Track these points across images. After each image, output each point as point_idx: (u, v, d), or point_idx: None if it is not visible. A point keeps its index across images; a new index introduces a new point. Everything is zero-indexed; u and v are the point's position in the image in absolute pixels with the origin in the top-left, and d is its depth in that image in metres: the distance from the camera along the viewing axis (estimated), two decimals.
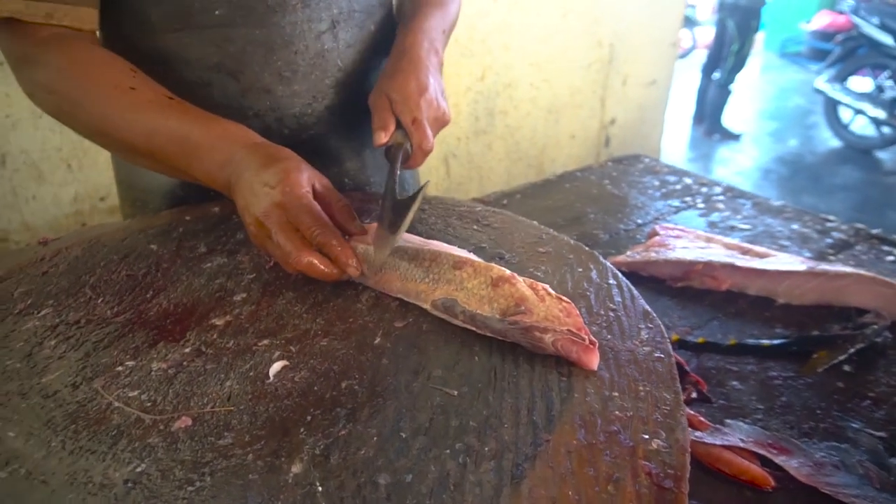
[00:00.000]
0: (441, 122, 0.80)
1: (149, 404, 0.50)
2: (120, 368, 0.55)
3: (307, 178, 0.66)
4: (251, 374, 0.54)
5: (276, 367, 0.54)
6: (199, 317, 0.63)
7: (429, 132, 0.76)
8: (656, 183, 1.25)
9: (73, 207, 1.77)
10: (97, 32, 0.76)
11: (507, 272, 0.58)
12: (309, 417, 0.48)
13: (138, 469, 0.44)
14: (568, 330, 0.52)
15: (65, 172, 1.73)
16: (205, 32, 0.78)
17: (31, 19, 0.69)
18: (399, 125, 0.76)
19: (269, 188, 0.63)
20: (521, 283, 0.57)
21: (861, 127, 5.01)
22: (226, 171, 0.68)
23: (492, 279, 0.57)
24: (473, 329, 0.57)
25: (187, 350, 0.57)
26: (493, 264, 0.61)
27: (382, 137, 0.75)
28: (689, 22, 8.26)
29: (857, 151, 4.91)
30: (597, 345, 0.53)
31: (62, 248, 0.76)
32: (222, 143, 0.69)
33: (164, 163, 0.72)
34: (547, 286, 0.57)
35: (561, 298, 0.56)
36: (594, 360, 0.52)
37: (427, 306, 0.60)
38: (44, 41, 0.71)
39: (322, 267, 0.61)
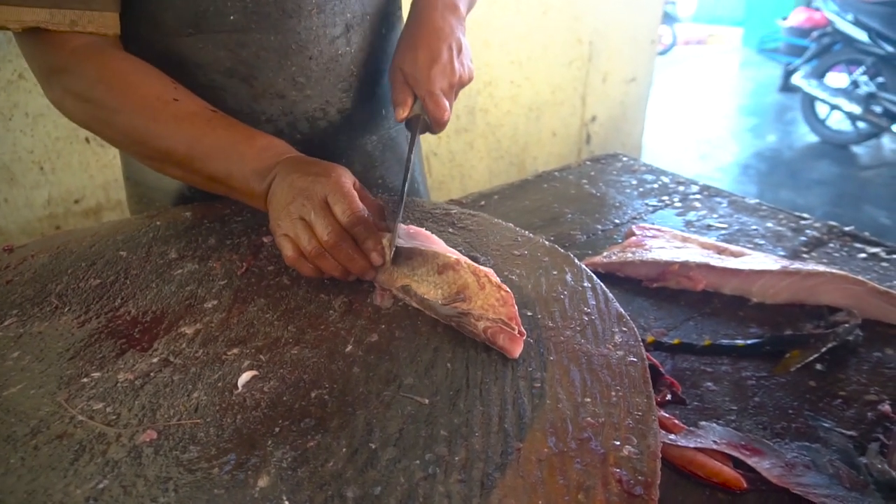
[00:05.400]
0: (460, 85, 0.83)
1: (113, 417, 0.49)
2: (85, 380, 0.54)
3: (350, 176, 0.69)
4: (219, 384, 0.53)
5: (246, 377, 0.53)
6: (168, 325, 0.62)
7: (443, 102, 0.78)
8: (634, 182, 1.26)
9: (46, 211, 1.73)
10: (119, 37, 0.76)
11: (453, 258, 0.61)
12: (277, 429, 0.47)
13: (100, 486, 0.43)
14: (500, 319, 0.55)
15: (37, 175, 1.70)
16: (219, 37, 0.77)
17: (56, 28, 0.69)
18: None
19: (316, 175, 0.66)
20: (465, 270, 0.60)
21: (837, 122, 5.08)
22: (266, 180, 0.70)
23: (438, 266, 0.61)
24: (424, 311, 0.61)
25: (155, 360, 0.56)
26: (439, 251, 0.63)
27: (401, 113, 0.79)
28: (670, 18, 8.32)
29: (834, 146, 4.98)
30: (524, 336, 0.55)
31: (28, 256, 0.74)
32: (267, 153, 0.72)
33: (201, 171, 0.73)
34: (491, 272, 0.59)
35: (501, 287, 0.58)
36: (517, 349, 0.54)
37: (393, 291, 0.65)
38: (75, 51, 0.71)
39: (351, 252, 0.64)
